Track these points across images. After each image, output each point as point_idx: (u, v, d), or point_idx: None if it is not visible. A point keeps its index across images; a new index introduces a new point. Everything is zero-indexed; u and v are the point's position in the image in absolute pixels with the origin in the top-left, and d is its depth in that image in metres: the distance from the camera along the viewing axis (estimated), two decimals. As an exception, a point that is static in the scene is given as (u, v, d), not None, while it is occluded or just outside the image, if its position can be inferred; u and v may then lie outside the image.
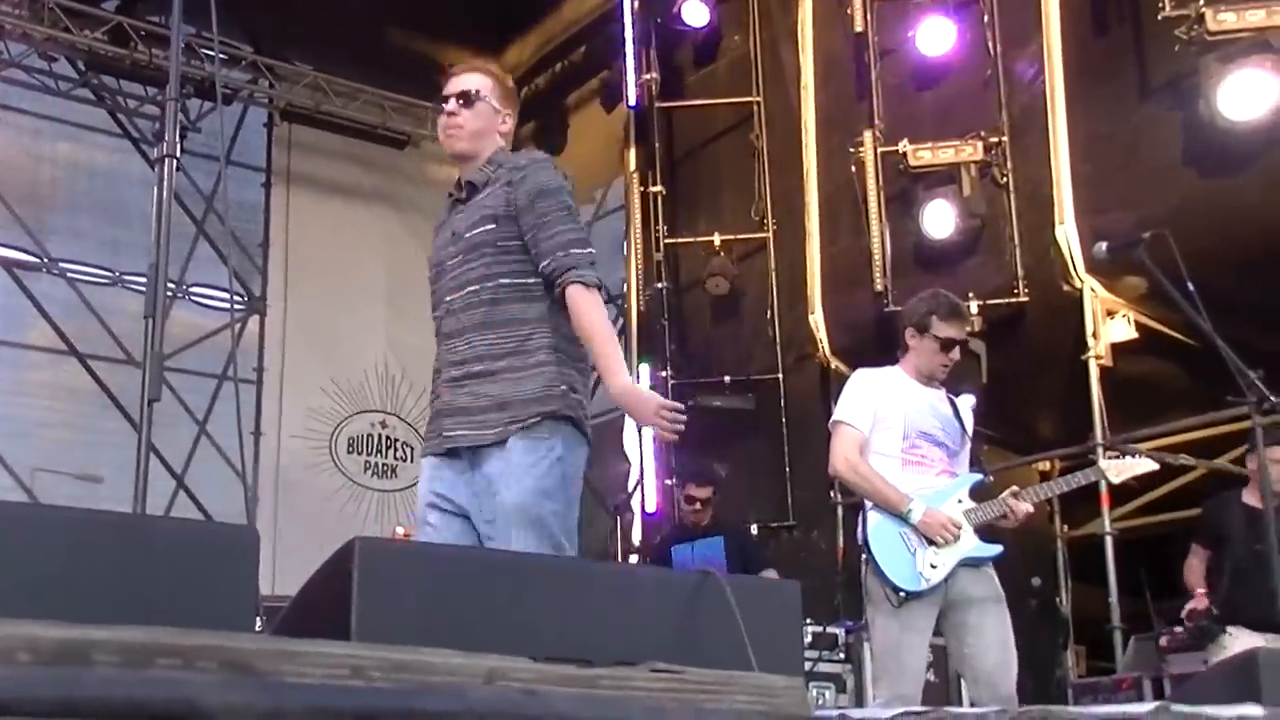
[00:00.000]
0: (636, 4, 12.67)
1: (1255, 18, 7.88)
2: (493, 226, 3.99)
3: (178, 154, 3.09)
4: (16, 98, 12.60)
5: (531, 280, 3.97)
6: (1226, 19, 7.91)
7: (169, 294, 3.96)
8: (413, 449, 13.78)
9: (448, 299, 4.07)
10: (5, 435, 11.88)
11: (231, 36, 12.71)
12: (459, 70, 4.26)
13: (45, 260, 12.76)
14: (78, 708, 1.02)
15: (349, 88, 13.59)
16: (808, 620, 7.91)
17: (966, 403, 5.60)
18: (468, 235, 4.05)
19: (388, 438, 13.76)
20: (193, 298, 12.84)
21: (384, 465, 13.70)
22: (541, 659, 1.79)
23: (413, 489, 13.03)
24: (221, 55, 11.51)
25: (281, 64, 13.31)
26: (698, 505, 8.43)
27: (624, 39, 12.68)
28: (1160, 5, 8.16)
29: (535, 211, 3.96)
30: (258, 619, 2.25)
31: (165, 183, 3.05)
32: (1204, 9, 7.97)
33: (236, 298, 13.11)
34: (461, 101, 4.14)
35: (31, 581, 1.87)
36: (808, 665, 7.82)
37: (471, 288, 3.99)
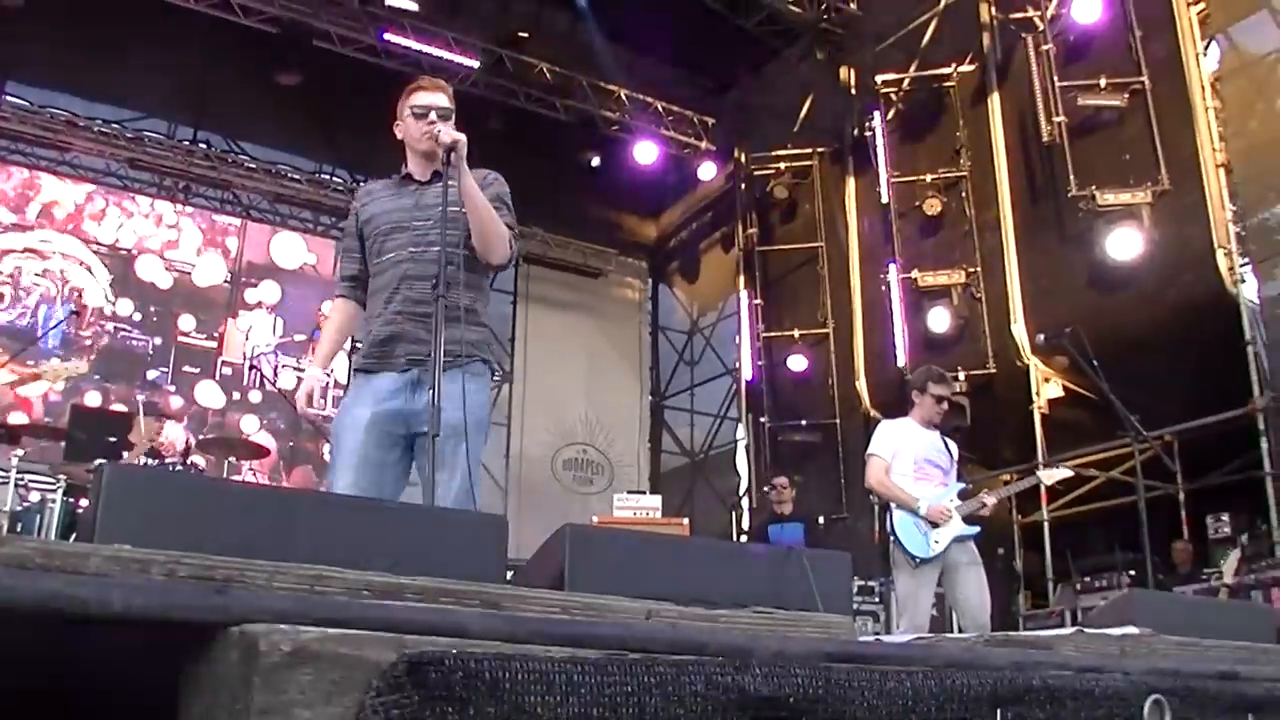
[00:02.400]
0: (744, 186, 13.06)
1: (1124, 197, 8.63)
2: (463, 210, 3.33)
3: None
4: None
5: (481, 260, 3.38)
6: (1109, 197, 8.69)
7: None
8: (603, 466, 13.81)
9: (414, 249, 3.37)
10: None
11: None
12: (436, 87, 3.48)
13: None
14: (393, 625, 1.05)
15: (563, 241, 13.84)
16: (855, 578, 7.77)
17: (952, 442, 5.51)
18: (446, 209, 3.28)
19: (588, 460, 13.81)
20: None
21: (584, 477, 13.75)
22: (683, 603, 1.79)
23: (606, 492, 13.15)
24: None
25: (524, 227, 13.56)
26: (778, 490, 8.34)
27: (737, 206, 13.05)
28: (1069, 189, 8.96)
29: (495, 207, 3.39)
30: (507, 573, 2.26)
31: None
32: (1095, 191, 8.75)
33: (496, 374, 13.28)
34: (444, 116, 3.38)
35: (369, 549, 1.91)
36: (855, 606, 7.68)
37: (449, 248, 3.23)
